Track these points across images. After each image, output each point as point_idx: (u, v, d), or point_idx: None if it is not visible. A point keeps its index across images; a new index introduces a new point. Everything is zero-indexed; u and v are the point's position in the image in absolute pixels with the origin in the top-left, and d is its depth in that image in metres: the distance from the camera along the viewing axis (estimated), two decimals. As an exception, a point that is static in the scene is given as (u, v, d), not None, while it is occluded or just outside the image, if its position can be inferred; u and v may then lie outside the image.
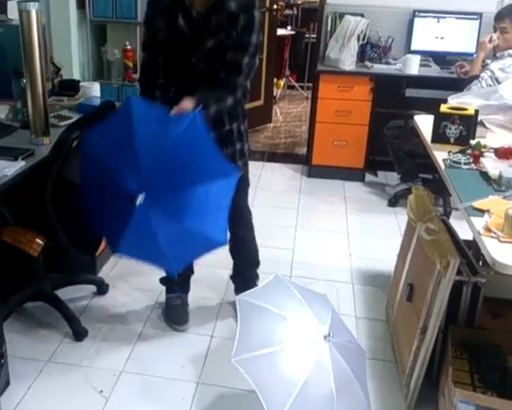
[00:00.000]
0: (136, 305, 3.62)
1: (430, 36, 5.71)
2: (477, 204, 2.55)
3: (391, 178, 5.83)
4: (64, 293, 3.50)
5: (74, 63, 5.39)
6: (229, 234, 3.12)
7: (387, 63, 5.64)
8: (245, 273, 3.64)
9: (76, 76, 5.20)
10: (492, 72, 4.42)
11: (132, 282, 3.86)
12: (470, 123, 3.29)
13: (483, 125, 3.52)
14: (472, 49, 5.55)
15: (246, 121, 3.19)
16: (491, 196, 2.64)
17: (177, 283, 3.50)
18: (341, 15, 5.69)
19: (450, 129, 3.28)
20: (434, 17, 5.65)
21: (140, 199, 2.55)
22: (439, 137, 3.31)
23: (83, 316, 3.45)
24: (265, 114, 7.62)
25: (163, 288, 3.58)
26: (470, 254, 2.94)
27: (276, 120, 8.05)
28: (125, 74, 5.52)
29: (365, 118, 5.59)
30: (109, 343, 3.26)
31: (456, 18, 5.62)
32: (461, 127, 3.26)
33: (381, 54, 5.71)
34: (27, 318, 3.42)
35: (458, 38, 5.67)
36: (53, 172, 2.85)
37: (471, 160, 3.04)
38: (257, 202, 5.00)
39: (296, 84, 9.51)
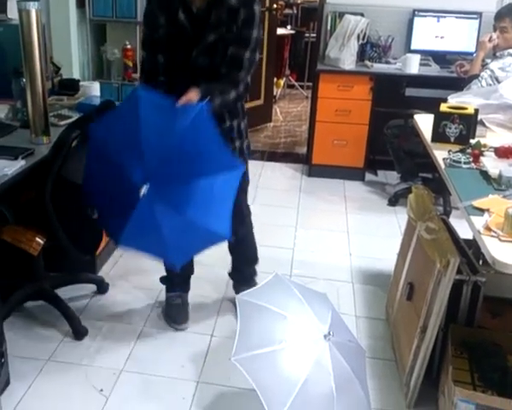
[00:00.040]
0: (137, 304, 3.62)
1: (430, 35, 5.71)
2: (477, 203, 2.55)
3: (391, 177, 5.84)
4: (64, 292, 3.50)
5: (74, 62, 5.39)
6: None
7: (387, 62, 5.65)
8: (243, 270, 3.66)
9: (76, 75, 5.20)
10: (492, 71, 4.42)
11: (132, 281, 3.86)
12: (470, 122, 3.28)
13: (483, 124, 3.52)
14: (472, 49, 5.56)
15: (246, 119, 3.20)
16: (491, 196, 2.63)
17: (178, 282, 3.50)
18: (341, 15, 5.70)
19: (450, 128, 3.28)
20: (434, 16, 5.66)
21: (144, 190, 2.53)
22: (439, 136, 3.31)
23: (83, 315, 3.45)
24: (265, 114, 7.62)
25: (163, 287, 3.58)
26: (470, 253, 2.94)
27: (276, 119, 8.05)
28: (124, 74, 5.51)
29: (365, 117, 5.59)
30: (109, 342, 3.26)
31: (456, 17, 5.62)
32: (461, 126, 3.26)
33: (380, 53, 5.72)
34: (27, 317, 3.42)
35: (458, 37, 5.67)
36: (53, 172, 2.85)
37: (471, 159, 3.04)
38: (257, 201, 5.01)
39: (296, 84, 9.52)
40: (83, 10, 5.40)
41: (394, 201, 5.31)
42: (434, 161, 3.19)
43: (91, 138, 2.76)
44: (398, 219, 4.95)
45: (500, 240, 2.28)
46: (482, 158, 3.06)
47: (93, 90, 4.01)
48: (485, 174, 2.90)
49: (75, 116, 3.45)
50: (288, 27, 9.32)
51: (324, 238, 4.66)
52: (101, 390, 2.91)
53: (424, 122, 3.60)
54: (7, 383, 2.85)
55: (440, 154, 3.15)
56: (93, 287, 3.71)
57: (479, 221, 2.42)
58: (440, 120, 3.31)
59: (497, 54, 4.62)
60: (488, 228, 2.35)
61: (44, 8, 4.92)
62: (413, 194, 3.37)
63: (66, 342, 3.24)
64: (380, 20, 5.80)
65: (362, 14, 5.64)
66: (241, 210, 3.30)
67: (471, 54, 5.48)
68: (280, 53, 8.71)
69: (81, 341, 3.26)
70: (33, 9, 2.85)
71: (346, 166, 5.80)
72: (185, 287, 3.54)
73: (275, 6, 7.18)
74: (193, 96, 2.73)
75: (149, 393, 2.92)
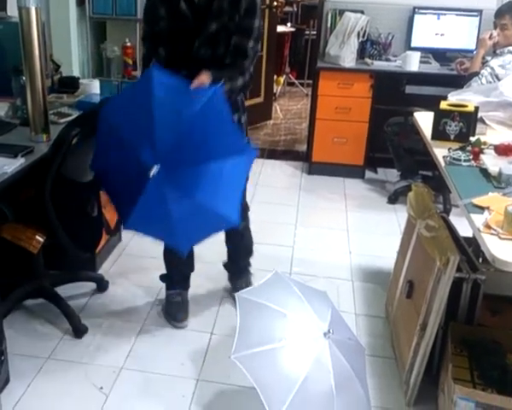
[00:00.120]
0: (136, 302, 3.62)
1: (430, 33, 5.71)
2: (477, 201, 2.55)
3: (391, 175, 5.84)
4: (64, 290, 3.50)
5: (74, 60, 5.39)
6: None
7: (387, 60, 5.65)
8: (239, 262, 3.70)
9: (75, 73, 5.20)
10: (492, 68, 4.42)
11: (132, 279, 3.86)
12: (470, 120, 3.28)
13: (483, 121, 3.52)
14: (472, 46, 5.56)
15: (245, 114, 3.21)
16: (490, 193, 2.64)
17: (177, 280, 3.50)
18: (341, 12, 5.70)
19: (450, 126, 3.28)
20: (434, 14, 5.66)
21: (154, 171, 2.49)
22: (439, 134, 3.31)
23: (83, 313, 3.45)
24: (265, 111, 7.62)
25: (163, 285, 3.58)
26: (470, 251, 2.94)
27: (276, 117, 8.05)
28: (124, 71, 5.51)
29: (365, 115, 5.60)
30: (109, 340, 3.26)
31: (457, 15, 5.62)
32: (461, 124, 3.26)
33: (380, 51, 5.72)
34: (27, 315, 3.42)
35: (458, 34, 5.67)
36: (52, 170, 2.84)
37: (471, 157, 3.04)
38: (257, 199, 5.00)
39: (296, 81, 9.52)
40: (82, 8, 5.40)
41: (394, 199, 5.31)
42: (434, 158, 3.19)
43: (102, 118, 2.72)
44: (397, 217, 4.95)
45: (500, 238, 2.28)
46: (482, 156, 3.06)
47: (93, 87, 4.00)
48: (484, 172, 2.90)
49: (75, 114, 3.44)
50: (288, 25, 9.32)
51: (324, 236, 4.66)
52: (101, 388, 2.91)
53: (424, 120, 3.60)
54: (6, 381, 2.85)
55: (440, 151, 3.15)
56: (93, 285, 3.71)
57: (478, 219, 2.41)
58: (440, 117, 3.31)
59: (498, 51, 4.62)
60: (488, 226, 2.35)
61: (44, 5, 4.92)
62: (413, 192, 3.37)
63: (65, 340, 3.24)
64: (380, 18, 5.80)
65: (362, 12, 5.64)
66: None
67: (471, 51, 5.49)
68: (280, 50, 8.71)
69: (81, 339, 3.25)
70: (33, 7, 2.84)
71: (346, 163, 5.80)
72: (185, 285, 3.54)
73: (275, 3, 7.17)
74: (205, 78, 2.75)
75: (149, 391, 2.92)
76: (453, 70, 5.35)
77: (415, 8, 5.68)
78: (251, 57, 2.98)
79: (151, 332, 3.35)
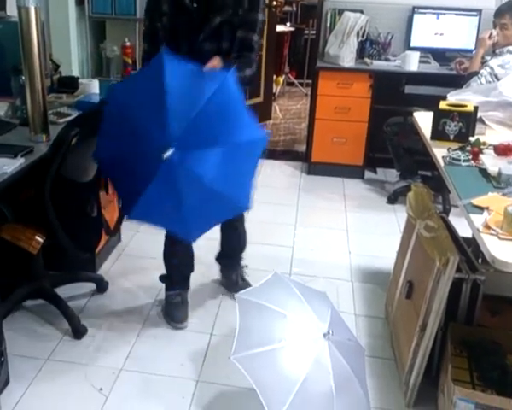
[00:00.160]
0: (136, 302, 3.62)
1: (429, 32, 5.71)
2: (476, 201, 2.54)
3: (390, 175, 5.84)
4: (63, 291, 3.50)
5: (73, 60, 5.40)
6: None
7: (387, 60, 5.65)
8: (232, 256, 3.73)
9: (75, 73, 5.20)
10: (492, 68, 4.42)
11: (132, 279, 3.86)
12: (469, 120, 3.28)
13: (482, 121, 3.52)
14: (471, 46, 5.56)
15: None
16: (490, 193, 2.63)
17: (177, 280, 3.50)
18: (341, 12, 5.70)
19: (449, 126, 3.27)
20: (434, 13, 5.66)
21: (168, 154, 2.43)
22: (439, 133, 3.31)
23: (82, 314, 3.45)
24: (265, 111, 7.61)
25: (162, 285, 3.57)
26: (469, 251, 2.94)
27: (276, 117, 8.05)
28: (124, 71, 5.51)
29: (365, 115, 5.59)
30: (109, 341, 3.26)
31: (456, 14, 5.62)
32: (460, 124, 3.26)
33: (380, 50, 5.72)
34: (27, 316, 3.42)
35: (458, 34, 5.67)
36: (52, 170, 2.84)
37: (470, 157, 3.04)
38: (256, 199, 4.91)
39: (295, 81, 9.51)
40: (82, 7, 5.41)
41: (393, 199, 5.31)
42: (434, 158, 3.19)
43: (110, 101, 2.70)
44: (397, 218, 4.95)
45: (499, 238, 2.28)
46: (481, 156, 3.06)
47: (92, 87, 4.00)
48: (484, 172, 2.90)
49: (74, 114, 3.44)
50: (288, 24, 9.32)
51: (324, 236, 4.66)
52: (101, 389, 2.90)
53: (423, 120, 3.60)
54: (6, 382, 2.85)
55: (440, 152, 3.15)
56: (92, 286, 3.71)
57: (478, 219, 2.41)
58: (440, 117, 3.31)
59: (497, 51, 4.62)
60: (487, 226, 2.35)
61: (44, 5, 4.92)
62: (412, 192, 3.37)
63: (65, 341, 3.24)
64: (379, 17, 5.80)
65: (361, 11, 5.64)
66: None
67: (470, 51, 5.49)
68: (279, 50, 8.70)
69: (80, 340, 3.25)
70: (32, 7, 2.84)
71: (346, 163, 5.80)
72: (185, 285, 3.54)
73: (274, 3, 7.17)
74: (216, 63, 2.78)
75: (149, 392, 2.92)
76: (452, 70, 5.35)
77: (414, 7, 5.68)
78: (256, 50, 3.03)
79: (151, 333, 3.35)
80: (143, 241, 4.34)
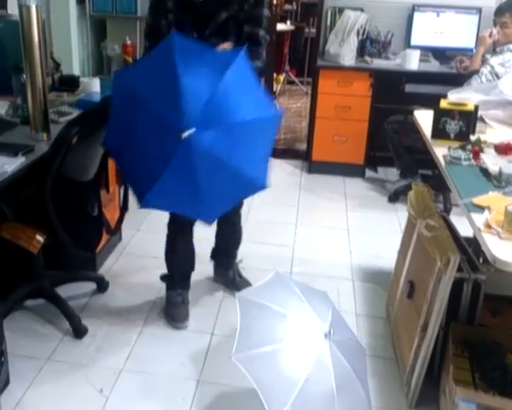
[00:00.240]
0: (137, 302, 3.61)
1: (430, 31, 5.71)
2: (477, 200, 2.54)
3: (391, 174, 5.83)
4: (64, 290, 3.50)
5: (74, 58, 5.39)
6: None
7: (387, 58, 5.65)
8: (228, 253, 3.73)
9: (76, 71, 5.20)
10: (492, 67, 4.42)
11: (132, 279, 3.86)
12: (470, 119, 3.28)
13: (482, 120, 3.52)
14: (471, 44, 5.56)
15: None
16: (491, 193, 2.63)
17: (178, 280, 3.49)
18: (341, 10, 5.70)
19: (449, 125, 3.27)
20: (434, 12, 5.65)
21: (187, 134, 2.36)
22: (439, 132, 3.30)
23: (83, 313, 3.44)
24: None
25: (163, 285, 3.57)
26: (470, 250, 2.94)
27: (276, 115, 8.01)
28: (124, 70, 5.50)
29: (365, 113, 5.59)
30: (109, 341, 3.26)
31: (456, 12, 5.61)
32: (461, 123, 3.26)
33: (380, 49, 5.71)
34: (27, 315, 3.41)
35: (458, 32, 5.66)
36: (53, 169, 2.84)
37: (471, 156, 3.04)
38: (257, 198, 4.95)
39: (296, 80, 9.50)
40: (83, 6, 5.41)
41: (394, 198, 5.30)
42: (434, 157, 3.18)
43: (118, 86, 2.66)
44: (398, 217, 4.94)
45: (500, 237, 2.28)
46: (482, 155, 3.06)
47: (93, 86, 3.99)
48: (485, 171, 2.90)
49: (75, 113, 3.43)
50: (288, 23, 9.31)
51: (324, 236, 4.65)
52: (101, 390, 2.90)
53: (424, 118, 3.60)
54: (6, 382, 2.84)
55: (440, 150, 3.15)
56: (93, 285, 3.70)
57: (479, 219, 2.41)
58: (440, 116, 3.30)
59: (497, 49, 4.62)
60: (488, 225, 2.35)
61: (44, 3, 4.92)
62: (413, 191, 3.36)
63: (65, 341, 3.24)
64: (379, 16, 5.79)
65: (361, 10, 5.64)
66: None
67: (471, 50, 5.49)
68: (280, 48, 8.71)
69: (81, 339, 3.25)
70: (33, 5, 2.83)
71: (346, 162, 5.80)
72: (185, 284, 3.53)
73: (275, 1, 7.17)
74: (227, 46, 2.81)
75: (149, 392, 2.92)
76: (453, 68, 5.35)
77: (414, 5, 5.68)
78: (263, 44, 3.07)
79: (151, 333, 3.35)
80: (144, 240, 4.34)
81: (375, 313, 3.60)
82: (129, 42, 5.42)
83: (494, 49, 4.70)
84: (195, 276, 3.59)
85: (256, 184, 2.68)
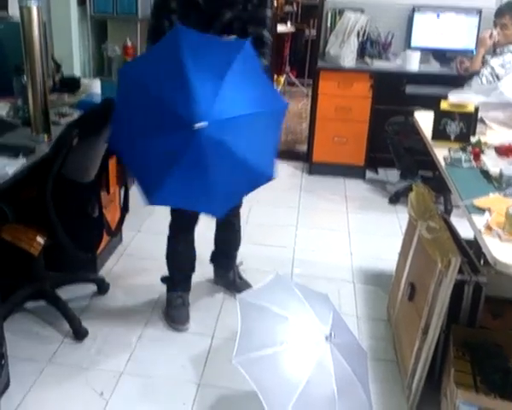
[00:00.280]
0: (137, 304, 3.61)
1: (430, 32, 5.70)
2: (478, 202, 2.54)
3: (391, 175, 5.83)
4: (64, 292, 3.49)
5: (75, 60, 5.39)
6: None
7: (387, 59, 5.65)
8: (227, 254, 3.72)
9: (76, 73, 5.19)
10: (492, 68, 4.43)
11: (133, 280, 3.85)
12: (470, 120, 3.28)
13: (483, 122, 3.52)
14: (472, 46, 5.55)
15: None
16: (491, 194, 2.64)
17: (178, 282, 3.49)
18: (341, 11, 5.70)
19: (450, 126, 3.27)
20: (434, 13, 5.64)
21: (199, 125, 2.33)
22: (440, 134, 3.30)
23: (83, 315, 3.43)
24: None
25: (164, 286, 3.56)
26: (471, 252, 2.93)
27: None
28: (124, 71, 5.49)
29: (365, 115, 5.59)
30: (110, 344, 3.25)
31: (456, 14, 5.60)
32: (461, 124, 3.26)
33: (380, 50, 5.71)
34: (27, 317, 3.40)
35: (458, 34, 5.66)
36: (53, 170, 2.83)
37: (471, 157, 3.04)
38: (257, 200, 4.98)
39: (296, 81, 9.49)
40: (83, 7, 5.41)
41: (395, 199, 5.30)
42: (435, 159, 3.18)
43: (123, 81, 2.65)
44: (398, 218, 4.94)
45: (501, 239, 2.28)
46: (482, 156, 3.06)
47: (94, 87, 3.99)
48: (485, 173, 2.90)
49: (76, 114, 3.43)
50: (288, 24, 9.30)
51: (325, 237, 4.65)
52: (102, 393, 2.89)
53: (424, 120, 3.60)
54: (6, 385, 2.83)
55: (441, 152, 3.15)
56: (94, 287, 3.69)
57: (480, 220, 2.41)
58: (441, 117, 3.30)
59: (497, 50, 4.63)
60: (489, 227, 2.35)
61: (45, 5, 4.92)
62: (414, 192, 3.36)
63: (66, 343, 3.23)
64: (379, 17, 5.80)
65: (362, 11, 5.64)
66: None
67: (471, 51, 5.48)
68: (280, 50, 8.72)
69: (81, 342, 3.24)
70: (34, 6, 2.83)
71: (347, 163, 5.80)
72: (186, 286, 3.52)
73: (275, 3, 7.15)
74: (230, 38, 2.82)
75: (150, 396, 2.91)
76: (453, 70, 5.35)
77: (414, 7, 5.68)
78: (268, 45, 3.05)
79: (152, 335, 3.34)
80: (145, 241, 4.33)
81: (376, 316, 3.60)
82: (129, 43, 5.42)
83: (494, 50, 4.71)
84: (196, 278, 3.59)
85: (264, 175, 2.65)
